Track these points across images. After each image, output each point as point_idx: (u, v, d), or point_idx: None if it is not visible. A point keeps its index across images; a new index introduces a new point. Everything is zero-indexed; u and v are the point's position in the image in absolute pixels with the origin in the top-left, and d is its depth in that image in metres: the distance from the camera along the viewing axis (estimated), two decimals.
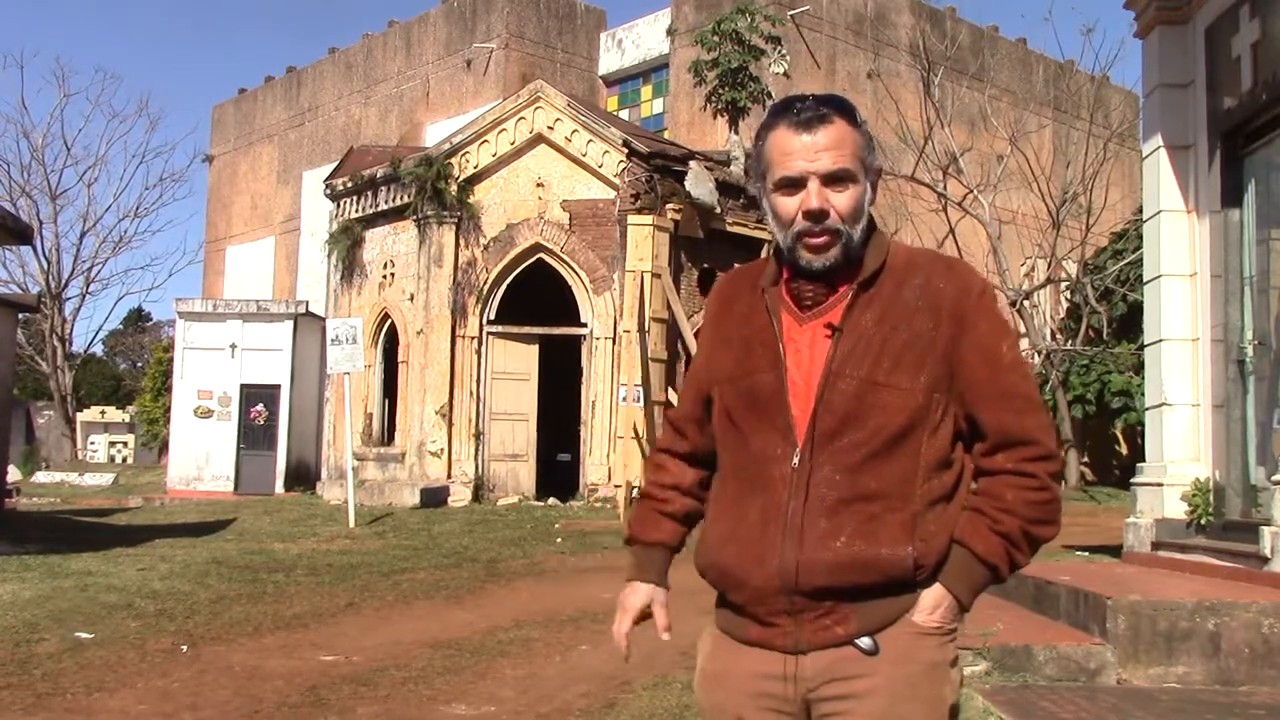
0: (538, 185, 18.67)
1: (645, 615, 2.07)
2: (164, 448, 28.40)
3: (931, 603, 1.84)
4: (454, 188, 18.53)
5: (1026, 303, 22.88)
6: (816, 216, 1.84)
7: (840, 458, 1.82)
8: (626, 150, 18.14)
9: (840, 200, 1.85)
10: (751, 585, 1.86)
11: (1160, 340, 8.07)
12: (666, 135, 23.76)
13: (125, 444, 37.59)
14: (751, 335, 1.94)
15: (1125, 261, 21.90)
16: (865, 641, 1.82)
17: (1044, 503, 1.86)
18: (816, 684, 1.84)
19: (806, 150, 1.85)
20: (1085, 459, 24.33)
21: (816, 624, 1.83)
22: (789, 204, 1.87)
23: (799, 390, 1.86)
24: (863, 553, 1.80)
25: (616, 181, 18.22)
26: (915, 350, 1.84)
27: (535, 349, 18.77)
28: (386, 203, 19.67)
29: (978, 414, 1.87)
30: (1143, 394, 10.56)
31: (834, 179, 1.85)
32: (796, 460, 1.84)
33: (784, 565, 1.82)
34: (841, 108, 1.89)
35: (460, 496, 17.75)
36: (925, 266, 1.91)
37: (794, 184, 1.86)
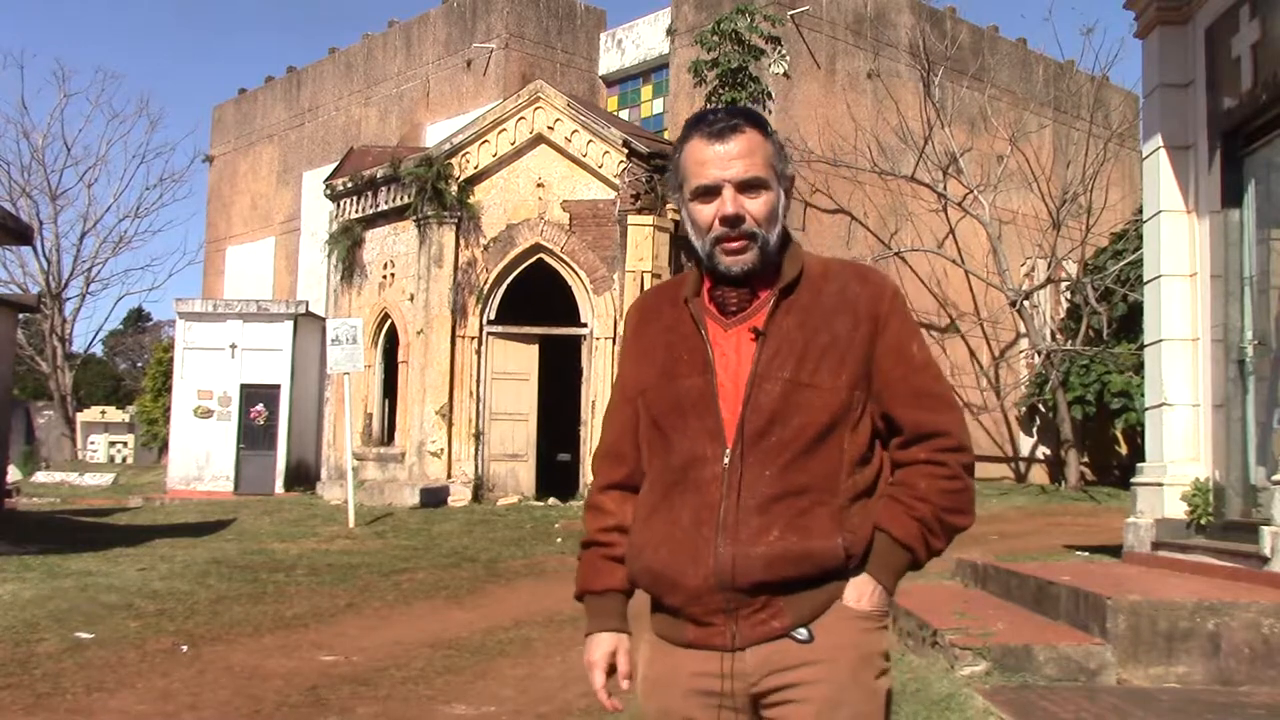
0: (538, 185, 18.67)
1: (614, 665, 2.05)
2: (164, 448, 28.40)
3: (858, 591, 1.91)
4: (454, 188, 18.52)
5: (1026, 303, 22.87)
6: (732, 221, 1.93)
7: (769, 456, 1.88)
8: (626, 150, 18.14)
9: (754, 206, 1.93)
10: (686, 586, 1.89)
11: (1160, 340, 8.07)
12: (666, 135, 23.75)
13: (125, 444, 37.59)
14: (677, 342, 1.99)
15: (1125, 261, 21.88)
16: (801, 632, 1.88)
17: (956, 491, 1.95)
18: (757, 678, 1.89)
19: (720, 159, 1.94)
20: (1085, 459, 24.31)
21: (752, 619, 1.88)
22: (706, 211, 1.95)
23: (728, 393, 1.92)
24: (796, 546, 1.86)
25: (616, 182, 18.22)
26: (836, 351, 1.92)
27: (535, 349, 18.77)
28: (386, 203, 19.67)
29: (893, 411, 1.95)
30: (1143, 394, 10.56)
31: (747, 186, 1.93)
32: (727, 460, 1.89)
33: (720, 563, 1.86)
34: (752, 119, 1.98)
35: (460, 496, 17.75)
36: (839, 274, 2.00)
37: (709, 192, 1.95)
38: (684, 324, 1.99)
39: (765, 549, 1.85)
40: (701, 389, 1.93)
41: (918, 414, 1.95)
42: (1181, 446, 7.90)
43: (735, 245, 1.93)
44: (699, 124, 1.98)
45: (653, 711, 1.99)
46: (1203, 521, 7.55)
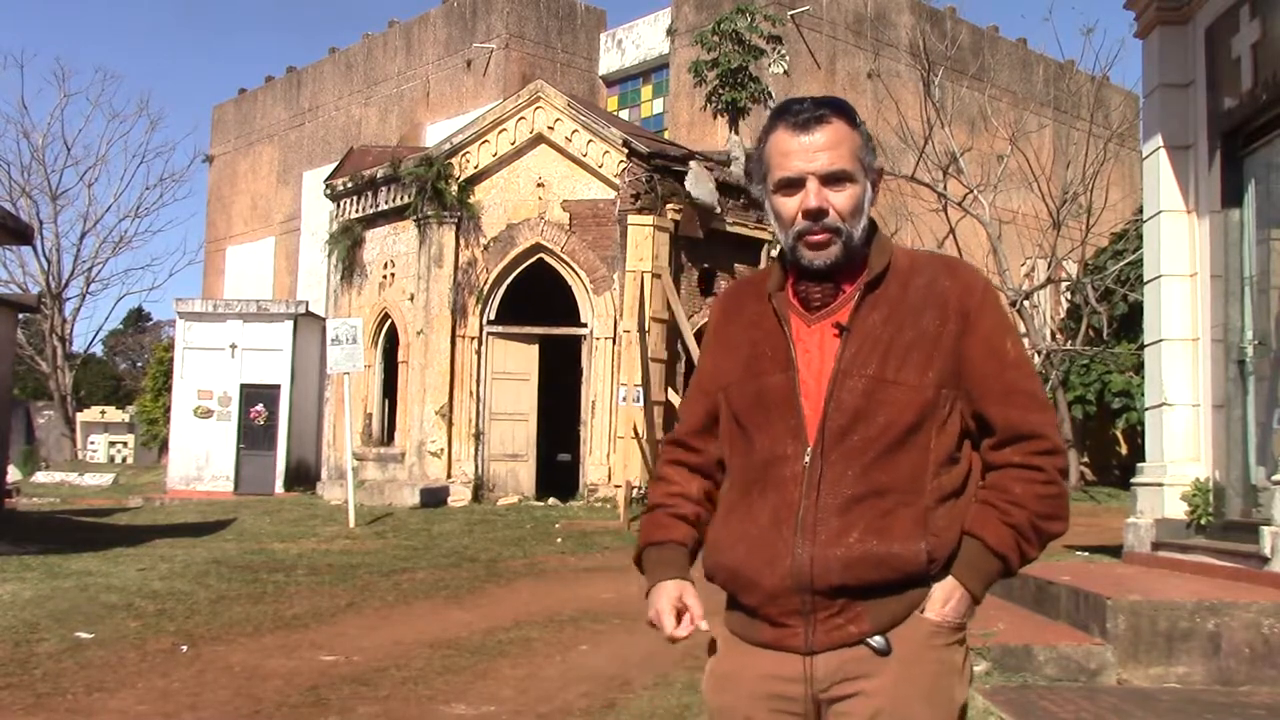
0: (538, 185, 18.67)
1: (680, 611, 1.95)
2: (164, 448, 28.40)
3: (943, 595, 1.84)
4: (454, 188, 18.53)
5: (1026, 303, 22.88)
6: (815, 215, 1.86)
7: (852, 455, 1.83)
8: (626, 150, 18.13)
9: (839, 199, 1.87)
10: (763, 586, 1.84)
11: (1160, 340, 8.07)
12: (666, 135, 23.76)
13: (125, 444, 37.58)
14: (760, 338, 1.94)
15: (1125, 261, 21.90)
16: (878, 641, 1.82)
17: (1052, 497, 1.87)
18: (828, 684, 1.84)
19: (804, 151, 1.87)
20: (1085, 459, 24.33)
21: (829, 623, 1.83)
22: (789, 204, 1.89)
23: (810, 390, 1.87)
24: (876, 549, 1.80)
25: (616, 181, 18.22)
26: (922, 347, 1.85)
27: (535, 349, 18.76)
28: (387, 203, 19.68)
29: (985, 410, 1.88)
30: (1143, 394, 10.56)
31: (832, 179, 1.87)
32: (808, 459, 1.84)
33: (797, 564, 1.81)
34: (840, 109, 1.91)
35: (460, 496, 17.75)
36: (928, 267, 1.93)
37: (793, 184, 1.88)
38: (767, 319, 1.94)
39: (844, 551, 1.80)
40: (784, 386, 1.88)
41: (1010, 413, 1.87)
42: (1181, 446, 7.90)
43: (818, 239, 1.87)
44: (784, 113, 1.91)
45: (716, 706, 1.96)
46: (1203, 521, 7.55)
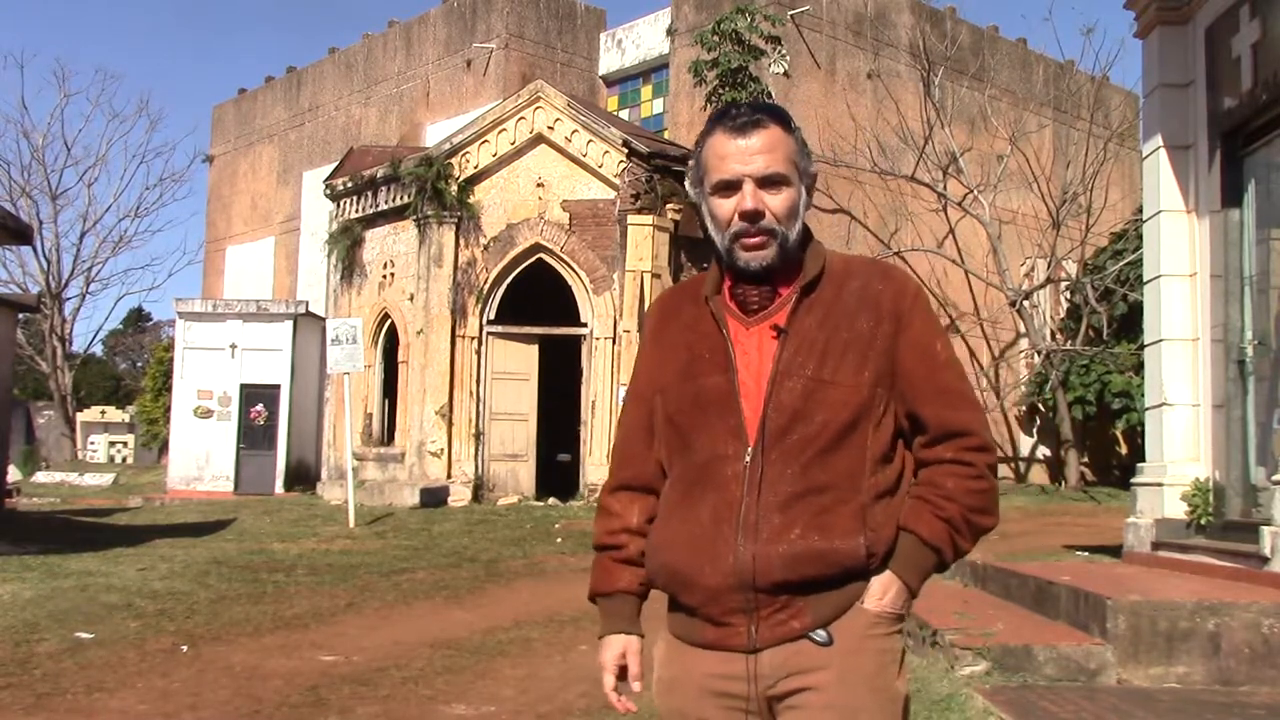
0: (538, 185, 18.67)
1: (625, 667, 2.05)
2: (164, 448, 28.40)
3: (881, 588, 1.89)
4: (454, 188, 18.53)
5: (1026, 303, 22.88)
6: (752, 217, 1.91)
7: (791, 454, 1.87)
8: (626, 150, 18.13)
9: (775, 202, 1.92)
10: (704, 585, 1.87)
11: (1160, 340, 8.07)
12: (666, 135, 23.75)
13: (125, 444, 37.59)
14: (697, 341, 1.98)
15: (1125, 261, 21.88)
16: (820, 634, 1.86)
17: (982, 491, 1.93)
18: (774, 680, 1.87)
19: (741, 154, 1.92)
20: (1085, 459, 24.31)
21: (772, 620, 1.86)
22: (726, 206, 1.94)
23: (749, 390, 1.91)
24: (816, 545, 1.84)
25: (616, 181, 18.22)
26: (857, 348, 1.91)
27: (535, 349, 18.77)
28: (386, 203, 19.67)
29: (917, 409, 1.93)
30: (1143, 394, 10.56)
31: (768, 181, 1.92)
32: (749, 458, 1.87)
33: (740, 562, 1.84)
34: (775, 114, 1.97)
35: (460, 496, 17.75)
36: (861, 271, 1.99)
37: (729, 187, 1.93)
38: (704, 322, 1.98)
39: (786, 547, 1.83)
40: (723, 387, 1.92)
41: (942, 412, 1.92)
42: (1181, 446, 7.90)
43: (754, 241, 1.91)
44: (722, 118, 1.97)
45: (668, 712, 1.98)
46: (1203, 521, 7.55)
